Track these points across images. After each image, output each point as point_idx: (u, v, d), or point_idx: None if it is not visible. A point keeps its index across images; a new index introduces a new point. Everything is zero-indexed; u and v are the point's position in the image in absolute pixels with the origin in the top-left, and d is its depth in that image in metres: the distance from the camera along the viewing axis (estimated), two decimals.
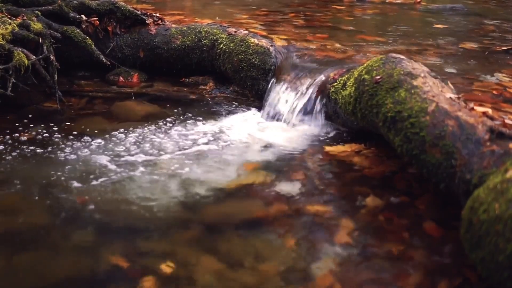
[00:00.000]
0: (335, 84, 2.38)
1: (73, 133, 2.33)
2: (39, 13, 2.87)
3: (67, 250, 1.56)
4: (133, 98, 2.86)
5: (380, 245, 1.60)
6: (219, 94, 2.95)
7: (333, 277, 1.46)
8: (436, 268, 1.49)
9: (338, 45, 3.20)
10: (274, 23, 3.95)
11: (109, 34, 3.09)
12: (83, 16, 3.02)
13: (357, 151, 2.20)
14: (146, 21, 3.13)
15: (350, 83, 2.20)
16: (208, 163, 2.11)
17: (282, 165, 2.13)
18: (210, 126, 2.48)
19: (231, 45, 2.92)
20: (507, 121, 1.66)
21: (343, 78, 2.34)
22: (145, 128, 2.41)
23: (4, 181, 1.92)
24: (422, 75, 1.93)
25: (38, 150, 2.14)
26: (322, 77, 2.51)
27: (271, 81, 2.71)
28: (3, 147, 2.16)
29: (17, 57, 2.48)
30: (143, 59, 3.14)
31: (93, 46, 2.94)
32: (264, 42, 2.87)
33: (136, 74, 3.12)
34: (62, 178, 1.93)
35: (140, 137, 2.31)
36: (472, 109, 1.72)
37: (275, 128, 2.49)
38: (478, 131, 1.59)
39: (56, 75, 2.69)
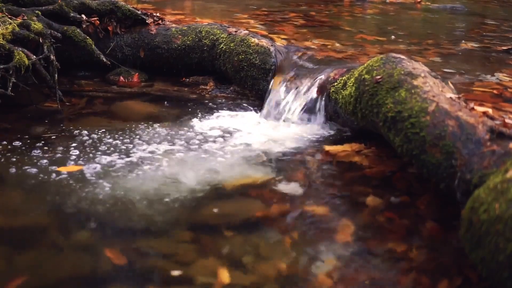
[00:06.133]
0: (336, 84, 2.38)
1: (73, 132, 2.33)
2: (40, 13, 2.87)
3: (67, 250, 1.56)
4: (133, 98, 2.86)
5: (380, 245, 1.60)
6: (219, 94, 2.95)
7: (334, 277, 1.46)
8: (437, 267, 1.49)
9: (338, 45, 3.20)
10: (274, 22, 3.95)
11: (110, 34, 3.09)
12: (83, 16, 3.02)
13: (358, 150, 2.20)
14: (147, 21, 3.13)
15: (350, 83, 2.20)
16: (208, 163, 2.11)
17: (282, 165, 2.13)
18: (210, 126, 2.48)
19: (232, 45, 2.92)
20: (507, 121, 1.66)
21: (343, 78, 2.34)
22: (145, 128, 2.42)
23: (4, 180, 1.92)
24: (423, 75, 1.94)
25: (38, 150, 2.14)
26: (322, 77, 2.51)
27: (272, 81, 2.71)
28: (3, 146, 2.16)
29: (18, 57, 2.48)
30: (143, 59, 3.14)
31: (93, 46, 2.94)
32: (264, 42, 2.87)
33: (137, 74, 3.12)
34: (62, 177, 1.93)
35: (140, 137, 2.31)
36: (473, 109, 1.72)
37: (275, 127, 2.49)
38: (478, 131, 1.59)
39: (56, 75, 2.68)
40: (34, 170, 1.96)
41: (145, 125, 2.45)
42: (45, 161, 2.04)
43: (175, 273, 1.46)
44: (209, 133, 2.40)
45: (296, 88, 2.57)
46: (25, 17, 2.76)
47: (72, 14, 2.98)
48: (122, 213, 1.74)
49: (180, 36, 3.08)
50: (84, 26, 3.00)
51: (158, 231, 1.66)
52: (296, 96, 2.54)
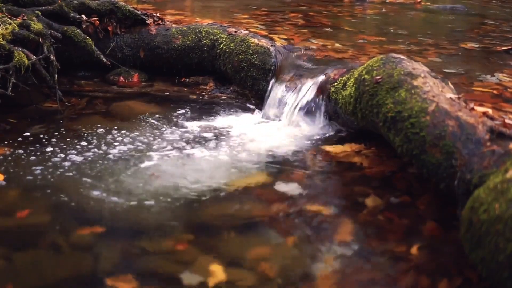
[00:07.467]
0: (335, 84, 2.38)
1: (73, 132, 2.33)
2: (40, 13, 2.87)
3: (67, 250, 1.56)
4: (133, 98, 2.86)
5: (380, 245, 1.60)
6: (219, 94, 2.95)
7: (333, 277, 1.46)
8: (437, 268, 1.49)
9: (338, 45, 3.20)
10: (274, 23, 3.95)
11: (110, 34, 3.09)
12: (83, 16, 3.02)
13: (357, 151, 2.20)
14: (147, 21, 3.13)
15: (350, 83, 2.20)
16: (208, 163, 2.11)
17: (282, 165, 2.13)
18: (210, 126, 2.48)
19: (232, 45, 2.92)
20: (507, 121, 1.66)
21: (343, 78, 2.34)
22: (145, 128, 2.42)
23: (5, 180, 1.92)
24: (423, 75, 1.94)
25: (38, 150, 2.14)
26: (322, 77, 2.51)
27: (271, 81, 2.71)
28: (3, 146, 2.16)
29: (18, 57, 2.48)
30: (143, 59, 3.14)
31: (93, 46, 2.94)
32: (264, 42, 2.87)
33: (136, 74, 3.12)
34: (62, 177, 1.93)
35: (140, 137, 2.31)
36: (473, 109, 1.72)
37: (275, 128, 2.49)
38: (478, 131, 1.60)
39: (56, 75, 2.68)
40: (32, 169, 1.97)
41: (145, 125, 2.45)
42: (44, 160, 2.04)
43: (175, 272, 1.46)
44: (209, 133, 2.40)
45: (296, 88, 2.57)
46: (25, 17, 2.76)
47: (72, 14, 2.98)
48: (122, 212, 1.75)
49: (180, 36, 3.08)
50: (84, 26, 3.00)
51: (158, 230, 1.66)
52: (296, 97, 2.54)
